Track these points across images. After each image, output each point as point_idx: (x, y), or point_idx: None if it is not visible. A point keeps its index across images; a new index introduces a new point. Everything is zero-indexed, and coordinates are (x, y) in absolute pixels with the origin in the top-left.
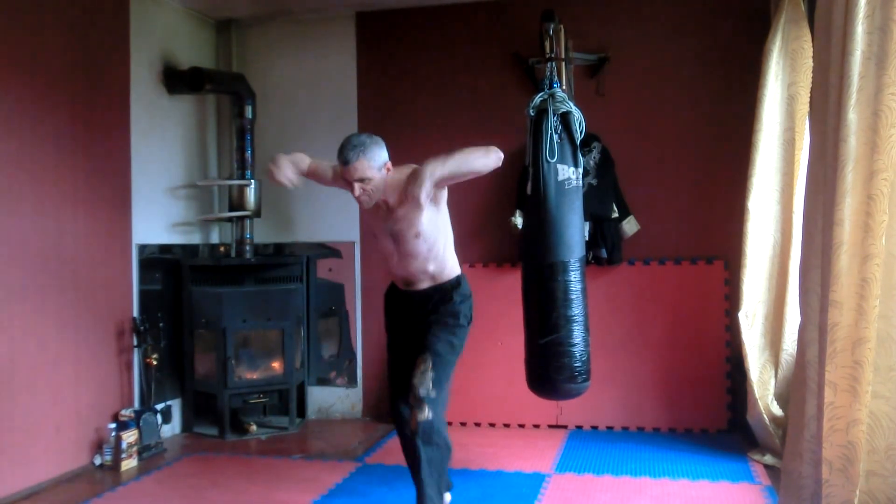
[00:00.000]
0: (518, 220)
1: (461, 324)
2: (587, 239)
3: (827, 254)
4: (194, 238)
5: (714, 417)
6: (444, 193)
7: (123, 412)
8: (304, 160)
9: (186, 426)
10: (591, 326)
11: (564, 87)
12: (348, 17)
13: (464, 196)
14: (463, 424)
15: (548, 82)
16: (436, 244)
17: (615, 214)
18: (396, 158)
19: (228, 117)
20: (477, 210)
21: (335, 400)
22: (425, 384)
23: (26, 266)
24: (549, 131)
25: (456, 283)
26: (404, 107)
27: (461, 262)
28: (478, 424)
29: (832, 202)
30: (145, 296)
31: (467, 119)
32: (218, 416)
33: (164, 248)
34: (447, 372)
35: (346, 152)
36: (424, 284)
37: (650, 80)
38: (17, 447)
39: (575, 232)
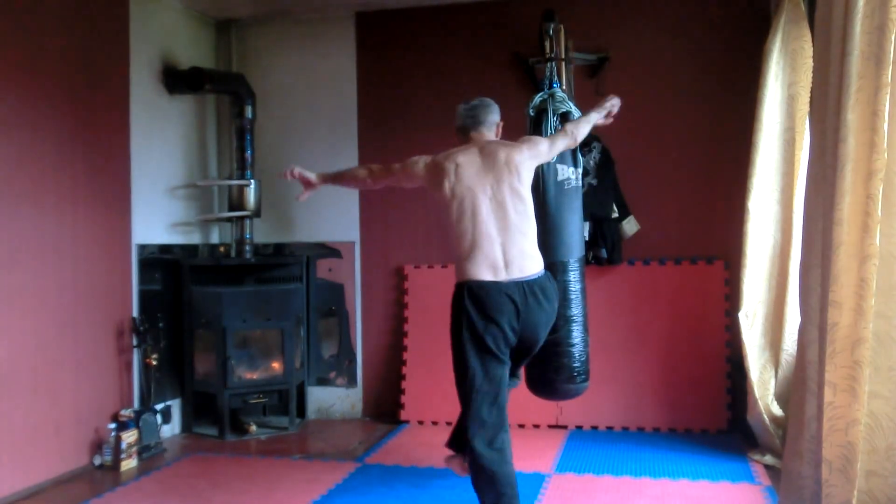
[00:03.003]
0: None
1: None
2: (587, 239)
3: (827, 254)
4: (194, 238)
5: (714, 417)
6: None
7: (123, 412)
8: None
9: (186, 426)
10: (590, 326)
11: (564, 87)
12: (348, 17)
13: None
14: None
15: (548, 82)
16: None
17: (615, 214)
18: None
19: (228, 117)
20: None
21: (335, 400)
22: None
23: (26, 266)
24: (549, 131)
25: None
26: (404, 107)
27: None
28: None
29: (832, 202)
30: (145, 296)
31: None
32: (218, 416)
33: (164, 248)
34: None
35: None
36: None
37: (650, 80)
38: (17, 447)
39: (574, 232)
